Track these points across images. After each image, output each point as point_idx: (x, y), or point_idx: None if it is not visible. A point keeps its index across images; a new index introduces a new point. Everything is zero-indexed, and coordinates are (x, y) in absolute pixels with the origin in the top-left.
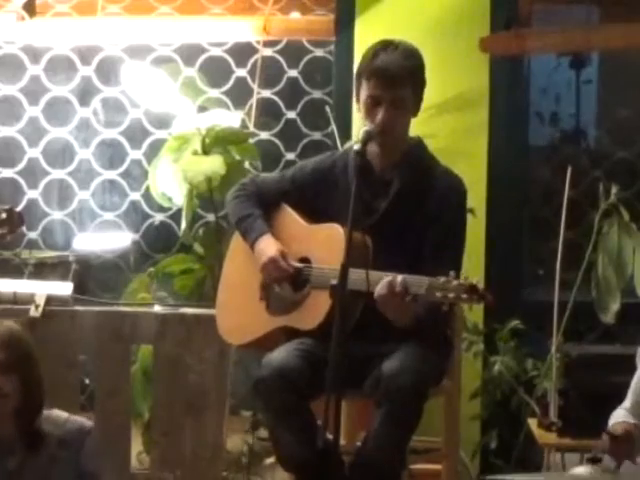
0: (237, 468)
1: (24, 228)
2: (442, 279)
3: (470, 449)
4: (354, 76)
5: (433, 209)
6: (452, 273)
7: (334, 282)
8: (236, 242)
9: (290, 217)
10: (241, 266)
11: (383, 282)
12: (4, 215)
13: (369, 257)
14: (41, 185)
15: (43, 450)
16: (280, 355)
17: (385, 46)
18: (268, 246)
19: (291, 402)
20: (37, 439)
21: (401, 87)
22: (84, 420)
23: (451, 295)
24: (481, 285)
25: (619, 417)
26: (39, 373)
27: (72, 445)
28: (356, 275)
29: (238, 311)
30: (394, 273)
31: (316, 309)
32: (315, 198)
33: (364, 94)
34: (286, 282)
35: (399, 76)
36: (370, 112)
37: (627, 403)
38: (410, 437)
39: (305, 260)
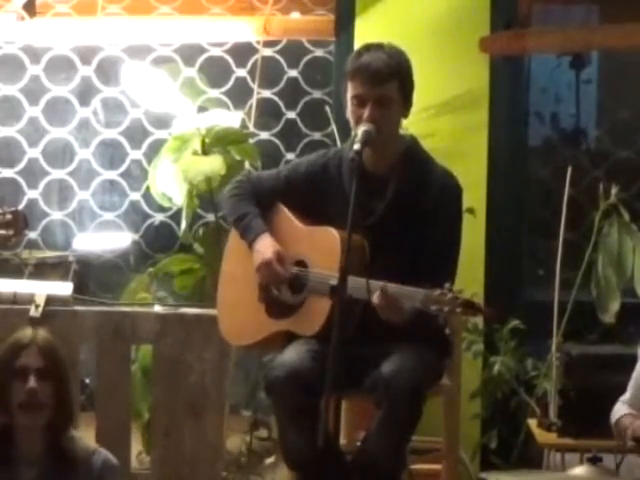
0: (237, 468)
1: (15, 238)
2: (437, 292)
3: (470, 449)
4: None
5: (430, 210)
6: (447, 285)
7: (334, 282)
8: (234, 239)
9: (286, 218)
10: (240, 264)
11: (376, 293)
12: (9, 217)
13: (366, 261)
14: (41, 185)
15: (64, 472)
16: (292, 356)
17: (368, 47)
18: (265, 247)
19: (304, 402)
20: (62, 457)
21: (385, 84)
22: (111, 456)
23: (446, 309)
24: (477, 299)
25: (621, 411)
26: (71, 384)
27: (94, 476)
28: (356, 284)
29: (238, 311)
30: (386, 283)
31: (315, 314)
32: (309, 198)
33: (349, 95)
34: (283, 285)
35: (382, 73)
36: (355, 112)
37: (627, 395)
38: (410, 437)
39: (301, 263)
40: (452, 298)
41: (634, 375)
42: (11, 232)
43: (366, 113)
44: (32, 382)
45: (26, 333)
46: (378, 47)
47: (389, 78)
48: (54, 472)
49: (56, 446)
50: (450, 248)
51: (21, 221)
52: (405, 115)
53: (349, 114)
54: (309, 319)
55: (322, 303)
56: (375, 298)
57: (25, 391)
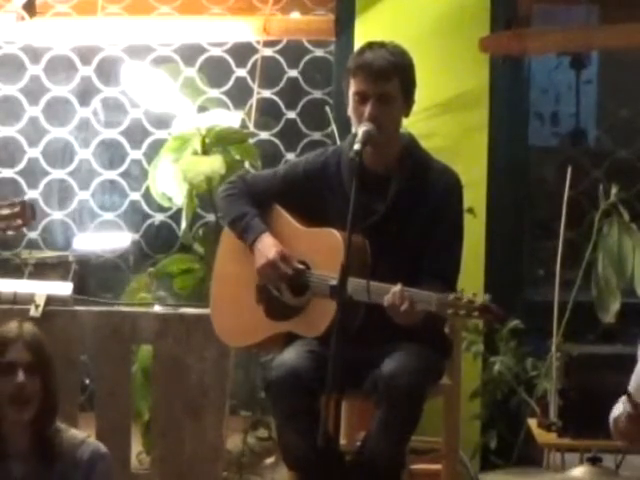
0: (237, 468)
1: (24, 228)
2: (452, 296)
3: (470, 449)
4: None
5: (433, 208)
6: (459, 291)
7: (334, 282)
8: (228, 240)
9: (284, 219)
10: (235, 265)
11: (390, 294)
12: (18, 208)
13: (368, 262)
14: (41, 185)
15: (55, 465)
16: (292, 356)
17: (371, 45)
18: (267, 247)
19: (303, 403)
20: (49, 450)
21: (387, 82)
22: (100, 445)
23: (462, 312)
24: (491, 303)
25: (620, 409)
26: (56, 378)
27: (83, 466)
28: (357, 285)
29: (235, 313)
30: (400, 285)
31: (321, 316)
32: (308, 198)
33: (351, 91)
34: (284, 285)
35: (384, 70)
36: (357, 109)
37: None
38: (409, 437)
39: (303, 264)
40: (468, 302)
41: (634, 375)
42: (19, 222)
43: (367, 110)
44: (21, 377)
45: (12, 327)
46: (381, 45)
47: (391, 76)
48: (43, 466)
49: (43, 439)
50: (453, 246)
51: (29, 211)
52: (406, 114)
53: (350, 111)
54: (314, 320)
55: (327, 304)
56: (387, 300)
57: (13, 386)
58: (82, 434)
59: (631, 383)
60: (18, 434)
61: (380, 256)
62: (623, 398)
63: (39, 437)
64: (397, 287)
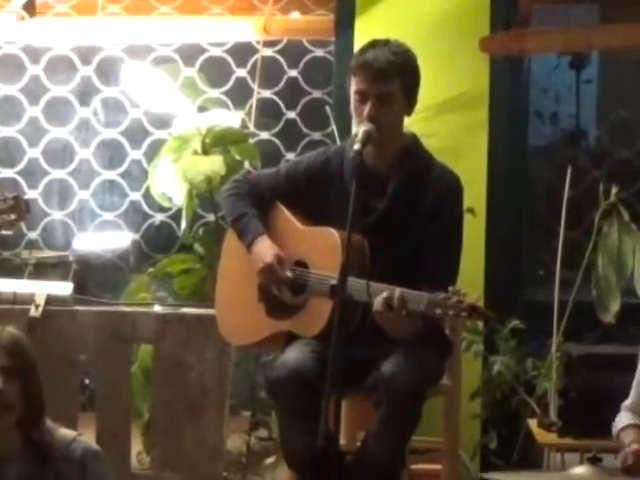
0: (237, 468)
1: (24, 228)
2: (441, 295)
3: (470, 449)
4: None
5: (431, 208)
6: (451, 289)
7: (334, 282)
8: (232, 238)
9: (285, 217)
10: (239, 263)
11: (380, 298)
12: (12, 202)
13: (366, 262)
14: (41, 185)
15: (48, 465)
16: (294, 356)
17: (375, 43)
18: (264, 250)
19: (306, 403)
20: (41, 451)
21: (387, 82)
22: (91, 443)
23: (451, 312)
24: (481, 303)
25: (623, 421)
26: (39, 379)
27: (76, 465)
28: (356, 285)
29: (237, 311)
30: (392, 287)
31: (317, 315)
32: (309, 197)
33: (352, 90)
34: (284, 287)
35: (385, 70)
36: (358, 108)
37: (629, 401)
38: (409, 437)
39: (301, 263)
40: (456, 302)
41: (636, 379)
42: (14, 217)
43: (366, 110)
44: None
45: None
46: (384, 43)
47: (391, 76)
48: (36, 467)
49: (31, 441)
50: (451, 247)
51: (23, 206)
52: (408, 113)
53: (352, 109)
54: (311, 320)
55: (324, 304)
56: (377, 304)
57: None
58: (72, 433)
59: (631, 395)
60: (6, 438)
61: (378, 254)
62: (624, 404)
63: (28, 439)
64: (384, 293)
